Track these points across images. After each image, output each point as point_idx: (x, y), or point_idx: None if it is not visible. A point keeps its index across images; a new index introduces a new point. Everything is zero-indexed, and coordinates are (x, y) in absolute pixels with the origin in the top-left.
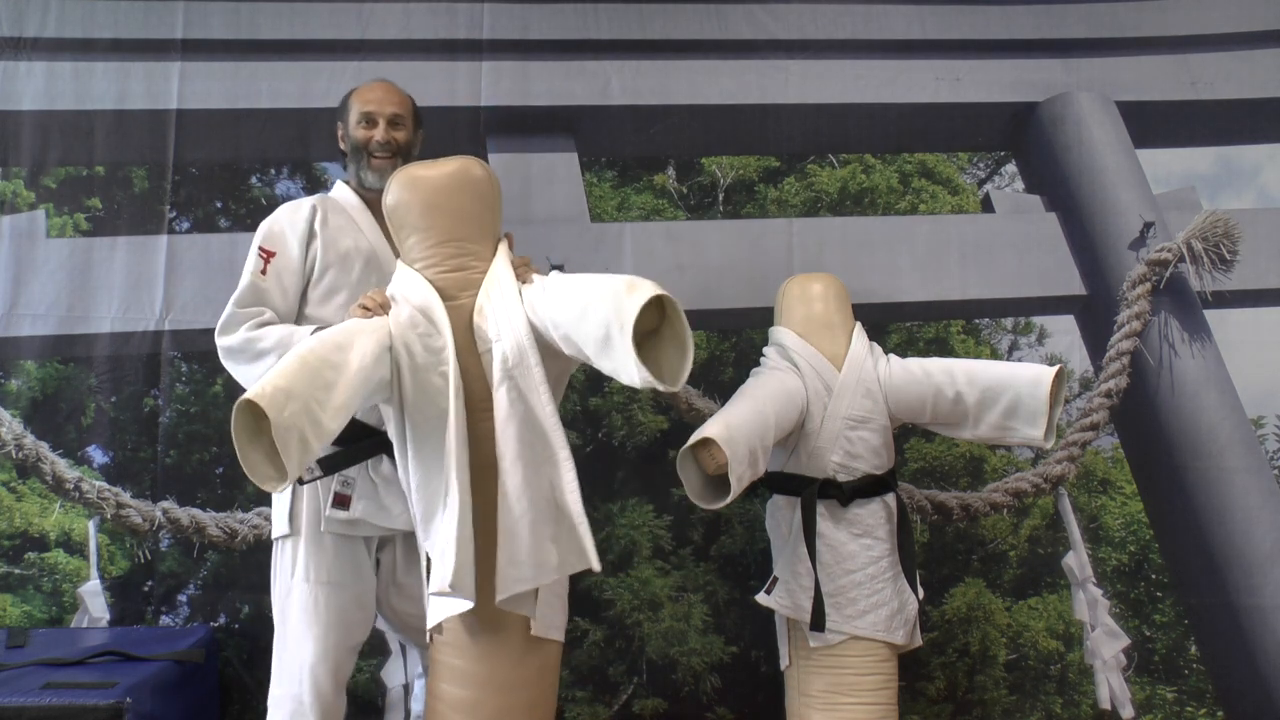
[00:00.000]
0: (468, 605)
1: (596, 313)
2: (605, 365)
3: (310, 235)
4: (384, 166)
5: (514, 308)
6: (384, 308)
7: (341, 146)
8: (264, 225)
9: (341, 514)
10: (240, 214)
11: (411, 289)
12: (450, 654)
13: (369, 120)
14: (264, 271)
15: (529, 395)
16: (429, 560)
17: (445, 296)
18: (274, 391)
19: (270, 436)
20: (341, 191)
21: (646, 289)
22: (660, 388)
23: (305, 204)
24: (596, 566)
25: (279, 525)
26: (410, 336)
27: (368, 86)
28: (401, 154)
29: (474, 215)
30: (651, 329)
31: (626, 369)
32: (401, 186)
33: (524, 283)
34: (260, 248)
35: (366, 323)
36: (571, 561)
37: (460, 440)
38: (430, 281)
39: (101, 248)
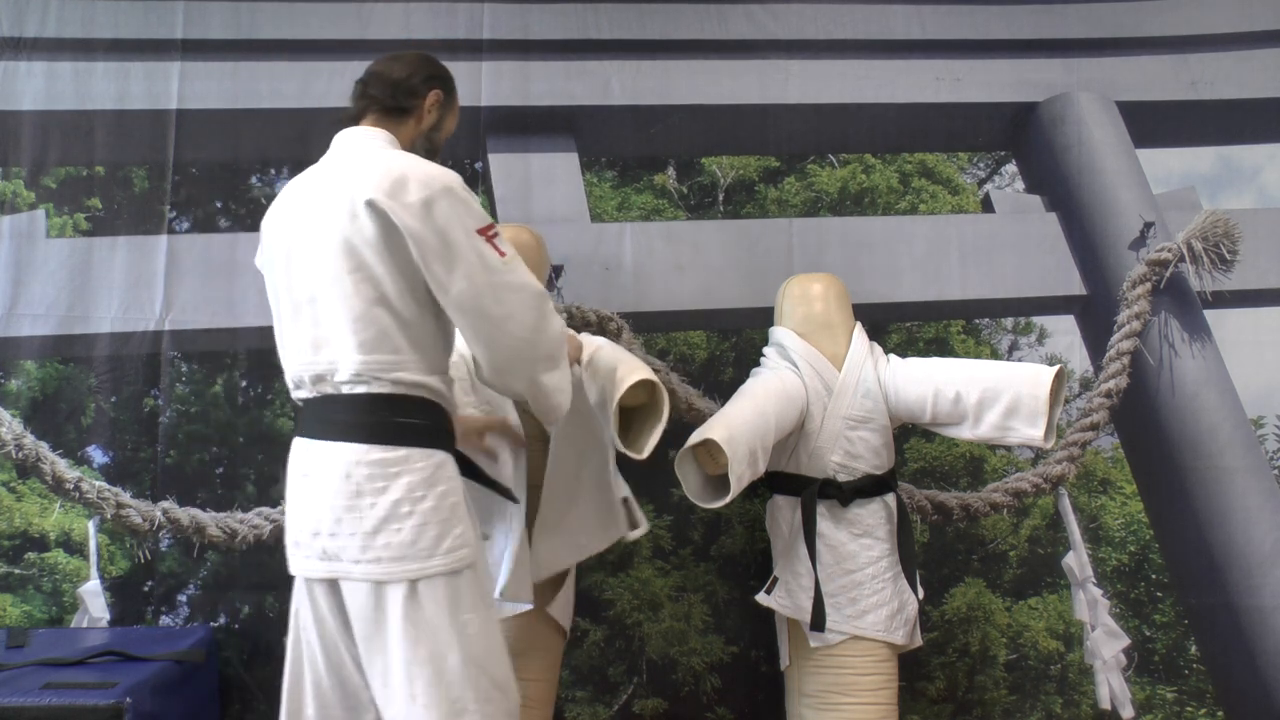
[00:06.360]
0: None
1: (599, 378)
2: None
3: None
4: None
5: None
6: None
7: (421, 125)
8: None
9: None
10: (240, 214)
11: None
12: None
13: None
14: None
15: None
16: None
17: None
18: None
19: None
20: None
21: (636, 373)
22: (628, 454)
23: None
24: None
25: (474, 548)
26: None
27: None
28: None
29: None
30: (645, 401)
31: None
32: None
33: None
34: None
35: None
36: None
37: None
38: None
39: (101, 248)
